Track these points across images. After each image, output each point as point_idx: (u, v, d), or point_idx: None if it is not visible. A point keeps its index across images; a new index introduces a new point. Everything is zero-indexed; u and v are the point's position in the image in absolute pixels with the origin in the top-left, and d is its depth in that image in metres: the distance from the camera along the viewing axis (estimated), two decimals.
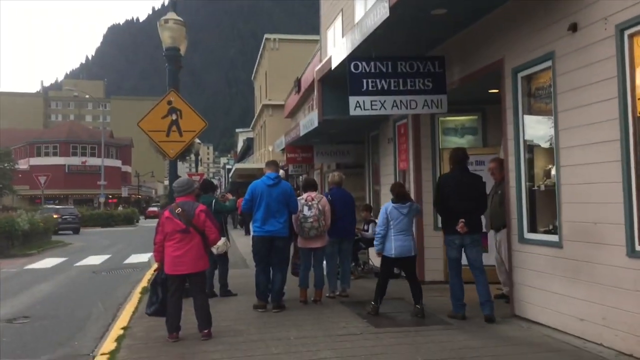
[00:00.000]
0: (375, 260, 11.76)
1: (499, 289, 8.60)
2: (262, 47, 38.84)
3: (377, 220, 11.54)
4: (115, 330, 7.19)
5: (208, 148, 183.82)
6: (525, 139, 7.05)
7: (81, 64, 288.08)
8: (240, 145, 67.46)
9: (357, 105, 8.49)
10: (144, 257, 18.27)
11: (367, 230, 11.32)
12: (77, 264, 16.97)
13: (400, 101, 8.63)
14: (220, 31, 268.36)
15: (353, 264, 11.36)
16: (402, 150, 11.04)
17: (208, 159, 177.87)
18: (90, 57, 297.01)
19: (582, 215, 5.92)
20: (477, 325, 6.85)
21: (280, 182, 8.22)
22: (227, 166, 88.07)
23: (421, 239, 10.11)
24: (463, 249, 7.32)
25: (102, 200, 54.32)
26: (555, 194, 6.35)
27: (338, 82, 11.26)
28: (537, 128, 7.04)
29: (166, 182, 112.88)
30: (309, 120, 12.71)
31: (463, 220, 7.14)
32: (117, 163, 78.32)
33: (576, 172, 6.00)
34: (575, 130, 5.99)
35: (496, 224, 8.16)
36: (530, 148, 7.06)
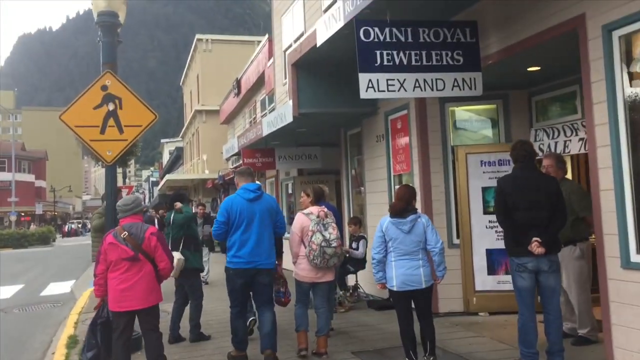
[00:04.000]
0: (366, 286, 9.62)
1: None
2: (192, 49, 35.96)
3: (366, 237, 9.48)
4: None
5: (129, 160, 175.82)
6: (628, 121, 5.06)
7: None
8: (166, 156, 64.04)
9: (370, 85, 6.30)
10: (65, 286, 15.27)
11: (357, 249, 9.16)
12: None
13: (424, 80, 6.51)
14: (138, 43, 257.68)
15: (342, 292, 9.18)
16: (399, 149, 8.94)
17: (129, 171, 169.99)
18: None
19: None
20: None
21: (263, 195, 6.01)
22: (152, 179, 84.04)
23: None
24: (536, 276, 5.31)
25: (13, 218, 49.42)
26: None
27: (318, 67, 9.09)
28: None
29: (84, 197, 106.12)
30: (277, 115, 10.37)
31: (537, 239, 5.13)
32: (30, 178, 72.43)
33: None
34: None
35: None
36: (635, 134, 5.09)
